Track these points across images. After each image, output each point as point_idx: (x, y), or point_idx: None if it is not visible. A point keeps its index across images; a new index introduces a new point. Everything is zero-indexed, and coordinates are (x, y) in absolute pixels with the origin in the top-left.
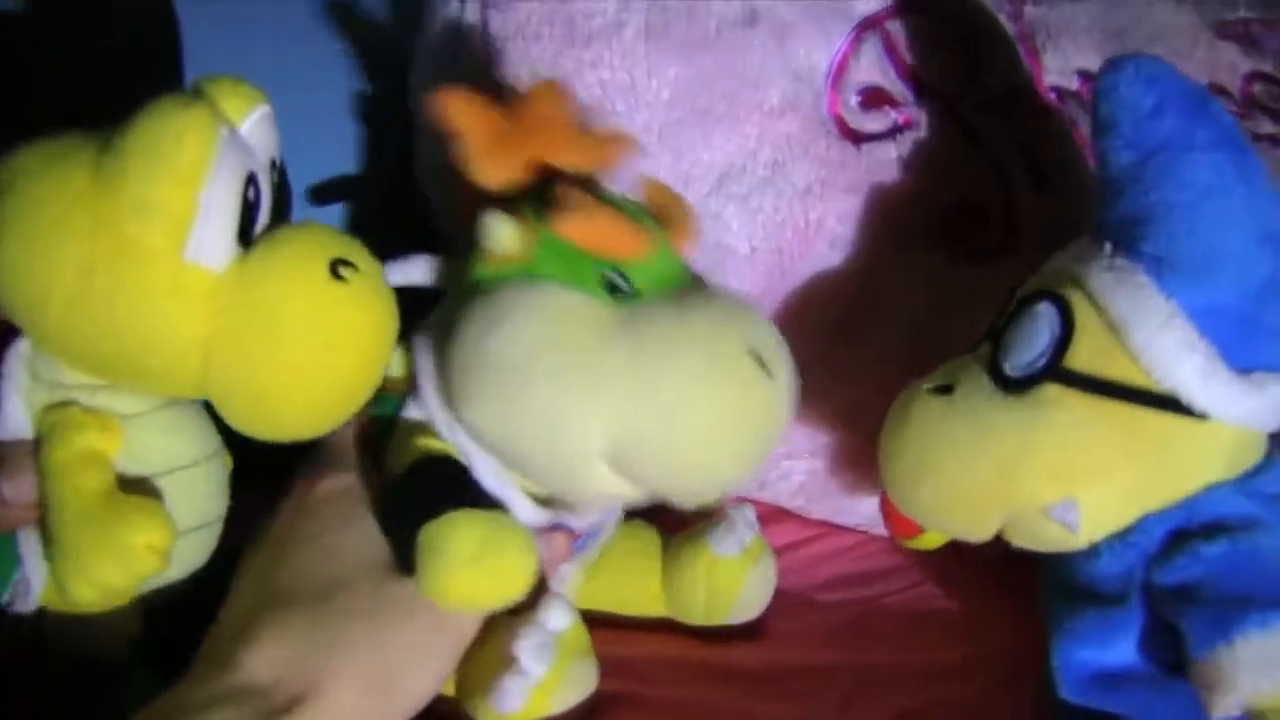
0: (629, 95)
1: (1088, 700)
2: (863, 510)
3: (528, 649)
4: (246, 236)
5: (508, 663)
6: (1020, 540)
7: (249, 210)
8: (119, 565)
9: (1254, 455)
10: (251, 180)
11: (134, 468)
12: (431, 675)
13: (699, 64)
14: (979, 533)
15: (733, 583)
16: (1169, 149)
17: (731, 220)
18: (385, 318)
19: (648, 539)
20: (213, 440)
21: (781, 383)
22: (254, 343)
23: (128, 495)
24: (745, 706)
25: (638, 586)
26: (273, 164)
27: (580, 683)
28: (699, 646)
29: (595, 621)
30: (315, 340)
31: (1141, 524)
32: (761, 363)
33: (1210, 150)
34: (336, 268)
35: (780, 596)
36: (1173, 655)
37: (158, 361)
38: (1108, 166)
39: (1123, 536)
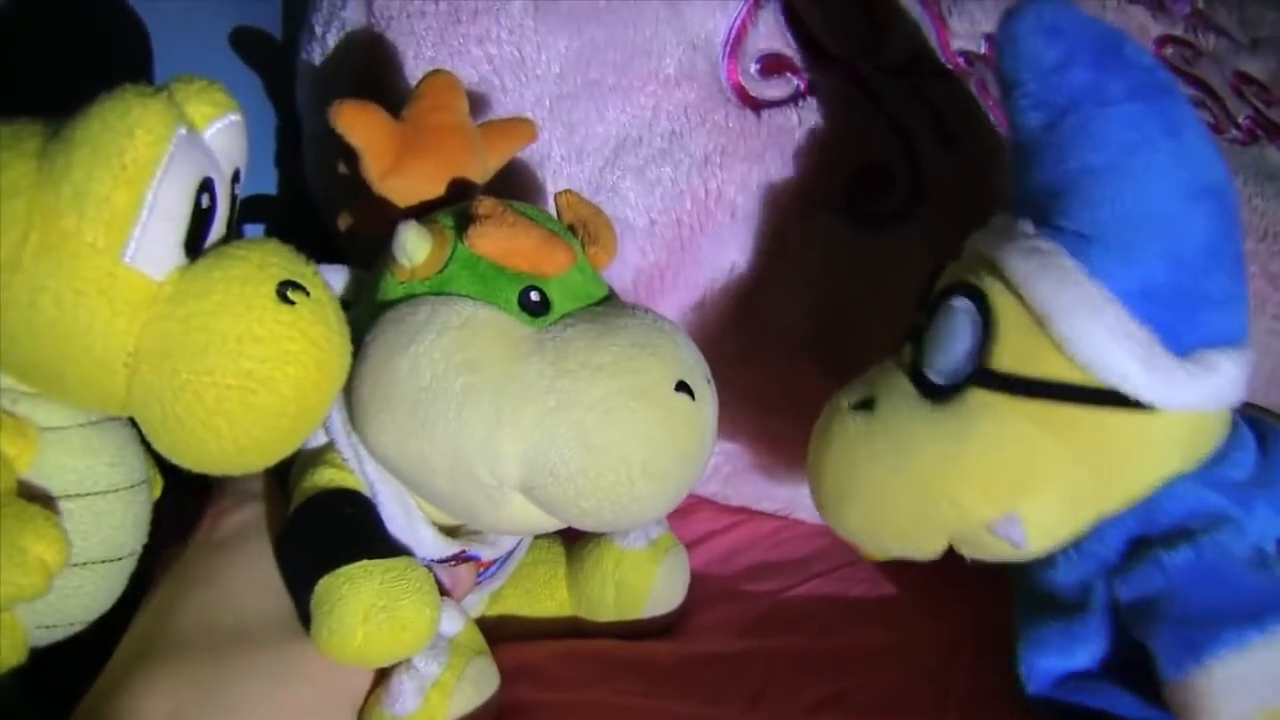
0: (518, 70)
1: (1058, 696)
2: (780, 494)
3: (420, 652)
4: (195, 246)
5: (400, 666)
6: (971, 554)
7: (200, 218)
8: (5, 571)
9: (1215, 438)
10: (207, 187)
11: (40, 484)
12: None
13: (589, 35)
14: (922, 552)
15: (642, 577)
16: (1082, 106)
17: (629, 193)
18: (330, 351)
19: (549, 548)
20: (138, 468)
21: (705, 404)
22: (181, 360)
23: (30, 503)
24: (653, 704)
25: (544, 596)
26: (236, 175)
27: (479, 682)
28: (607, 644)
29: (499, 630)
30: (245, 365)
31: (1098, 531)
32: (684, 386)
33: (1128, 102)
34: (285, 290)
35: (698, 588)
36: (1144, 658)
37: (79, 371)
38: (1018, 130)
39: (1078, 545)
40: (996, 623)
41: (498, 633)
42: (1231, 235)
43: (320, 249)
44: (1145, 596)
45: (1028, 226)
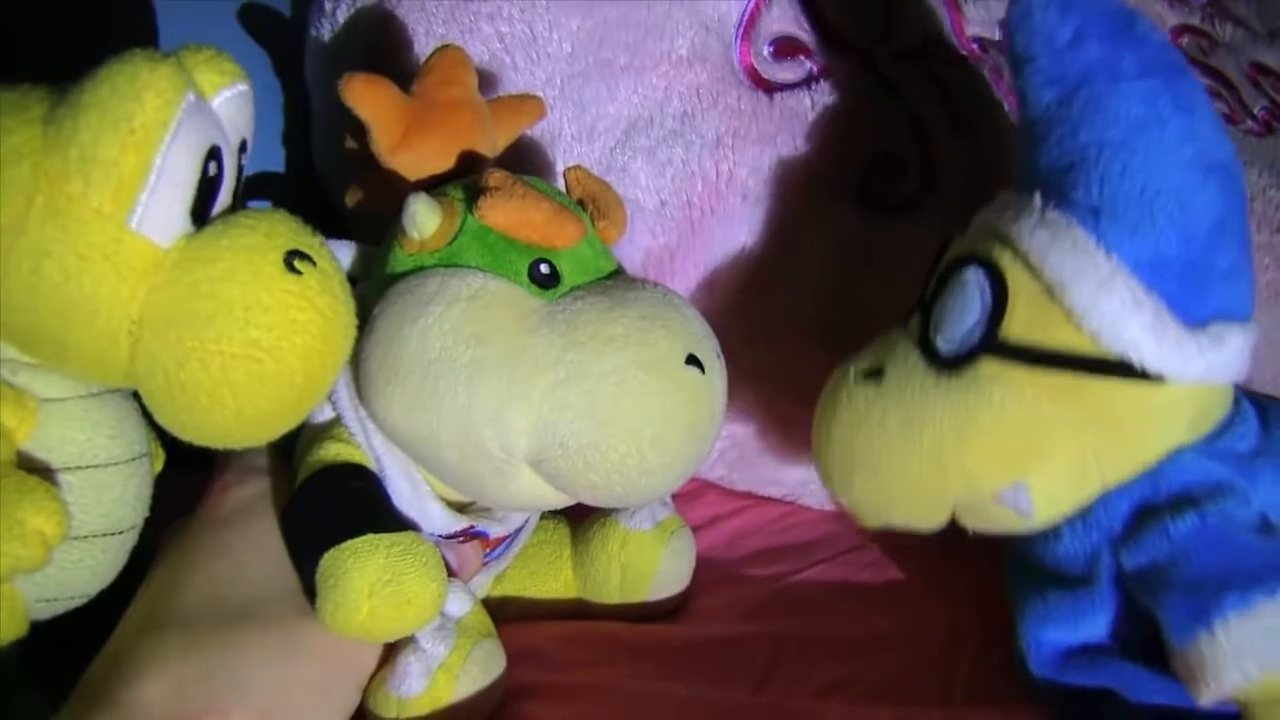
0: (529, 48)
1: (1061, 677)
2: (786, 480)
3: (426, 632)
4: (202, 214)
5: (406, 646)
6: (975, 525)
7: (208, 186)
8: (3, 543)
9: (1219, 411)
10: (214, 155)
11: (40, 456)
12: (332, 712)
13: (601, 14)
14: (926, 523)
15: (648, 558)
16: (1094, 81)
17: (639, 174)
18: (336, 322)
19: (555, 528)
20: (139, 442)
21: (715, 377)
22: (185, 329)
23: (29, 475)
24: (658, 687)
25: (549, 577)
26: (242, 146)
27: (486, 664)
28: (612, 626)
29: (504, 611)
30: (251, 334)
31: (1103, 501)
32: (694, 359)
33: (1140, 78)
34: (292, 259)
35: (704, 571)
36: (1150, 630)
37: (82, 339)
38: (1029, 106)
39: (1084, 515)
40: (1002, 608)
41: (501, 614)
42: (1239, 212)
43: (328, 227)
44: (1151, 563)
45: (1038, 200)
